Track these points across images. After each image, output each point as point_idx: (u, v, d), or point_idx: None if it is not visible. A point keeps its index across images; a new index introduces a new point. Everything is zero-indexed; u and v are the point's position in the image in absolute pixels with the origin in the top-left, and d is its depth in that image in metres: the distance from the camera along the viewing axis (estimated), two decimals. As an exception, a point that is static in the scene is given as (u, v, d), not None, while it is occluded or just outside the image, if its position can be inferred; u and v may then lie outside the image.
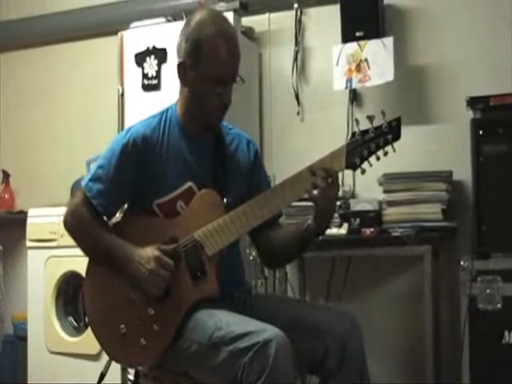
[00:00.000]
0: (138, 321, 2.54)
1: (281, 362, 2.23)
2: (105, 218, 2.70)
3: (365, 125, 2.48)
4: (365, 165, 2.48)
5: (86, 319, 2.68)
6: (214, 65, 2.56)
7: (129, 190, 2.67)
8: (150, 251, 2.52)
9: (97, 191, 2.64)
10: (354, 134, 2.48)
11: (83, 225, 2.66)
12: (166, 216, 2.64)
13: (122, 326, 2.56)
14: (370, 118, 2.45)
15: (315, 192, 2.44)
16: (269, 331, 2.28)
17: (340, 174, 4.29)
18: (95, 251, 2.66)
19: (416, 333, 4.26)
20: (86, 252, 2.69)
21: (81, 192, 2.68)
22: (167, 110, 2.76)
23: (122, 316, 2.57)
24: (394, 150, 2.46)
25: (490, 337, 3.65)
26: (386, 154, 2.46)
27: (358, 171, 2.49)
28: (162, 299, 2.53)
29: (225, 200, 2.61)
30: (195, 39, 2.57)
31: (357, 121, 2.55)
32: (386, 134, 2.44)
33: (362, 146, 2.45)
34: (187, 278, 2.54)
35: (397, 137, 2.45)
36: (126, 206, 2.78)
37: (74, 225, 2.68)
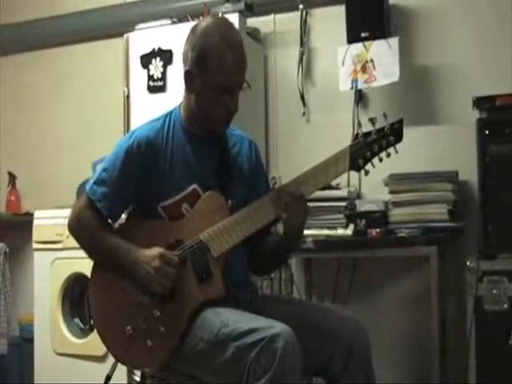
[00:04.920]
0: (144, 323, 2.54)
1: (288, 357, 2.24)
2: (109, 221, 2.71)
3: (367, 127, 2.51)
4: (368, 166, 2.51)
5: (92, 322, 2.67)
6: (220, 74, 2.57)
7: (133, 193, 2.68)
8: (155, 250, 2.53)
9: (101, 194, 2.64)
10: (356, 135, 2.52)
11: (87, 228, 2.66)
12: (170, 218, 2.65)
13: (128, 327, 2.56)
14: (373, 121, 2.48)
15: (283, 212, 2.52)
16: (276, 327, 2.29)
17: (346, 175, 4.41)
18: (99, 254, 2.67)
19: (422, 334, 4.25)
20: (91, 255, 2.70)
21: (85, 195, 2.69)
22: (171, 112, 2.76)
23: (128, 318, 2.57)
24: (397, 152, 2.50)
25: (497, 337, 3.65)
26: (388, 155, 2.50)
27: (362, 172, 2.52)
28: (168, 301, 2.54)
29: (229, 202, 2.62)
30: (201, 48, 2.57)
31: (359, 123, 2.59)
32: (389, 136, 2.48)
33: (364, 148, 2.49)
34: (193, 280, 2.55)
35: (399, 138, 2.49)
36: (130, 208, 2.78)
37: (79, 228, 2.69)
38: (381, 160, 2.49)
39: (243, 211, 2.57)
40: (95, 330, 2.68)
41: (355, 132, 2.53)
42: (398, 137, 2.48)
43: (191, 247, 2.56)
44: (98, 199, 2.64)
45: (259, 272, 3.03)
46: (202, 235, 2.57)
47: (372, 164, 2.50)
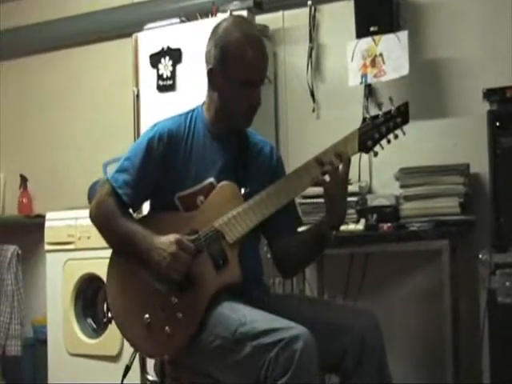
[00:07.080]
0: (161, 310, 2.58)
1: (307, 359, 2.25)
2: (130, 210, 2.77)
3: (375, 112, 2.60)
4: (378, 150, 2.59)
5: (109, 314, 2.70)
6: (242, 68, 2.64)
7: (153, 182, 2.73)
8: (171, 236, 2.56)
9: (123, 181, 2.71)
10: (364, 119, 2.59)
11: (108, 214, 2.71)
12: (185, 209, 2.70)
13: (147, 315, 2.60)
14: (379, 105, 2.59)
15: (325, 177, 2.55)
16: (295, 328, 2.31)
17: (356, 170, 4.41)
18: (118, 241, 2.71)
19: (435, 328, 4.23)
20: (110, 242, 2.75)
21: (107, 183, 2.75)
22: (193, 110, 2.83)
23: (145, 306, 2.62)
24: (404, 134, 2.57)
25: (510, 329, 3.63)
26: (396, 137, 2.56)
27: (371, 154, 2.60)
28: (186, 288, 2.57)
29: (242, 190, 2.67)
30: (223, 45, 2.65)
31: (366, 108, 2.64)
32: (396, 118, 2.56)
33: (373, 130, 2.56)
34: (210, 267, 2.59)
35: (405, 120, 2.56)
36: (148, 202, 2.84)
37: (99, 215, 2.75)
38: (389, 141, 2.56)
39: (256, 197, 2.62)
40: (113, 322, 2.71)
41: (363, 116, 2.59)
42: (405, 118, 2.56)
43: (206, 235, 2.61)
44: (120, 186, 2.70)
45: (292, 271, 3.04)
46: (216, 223, 2.61)
47: (381, 146, 2.57)
